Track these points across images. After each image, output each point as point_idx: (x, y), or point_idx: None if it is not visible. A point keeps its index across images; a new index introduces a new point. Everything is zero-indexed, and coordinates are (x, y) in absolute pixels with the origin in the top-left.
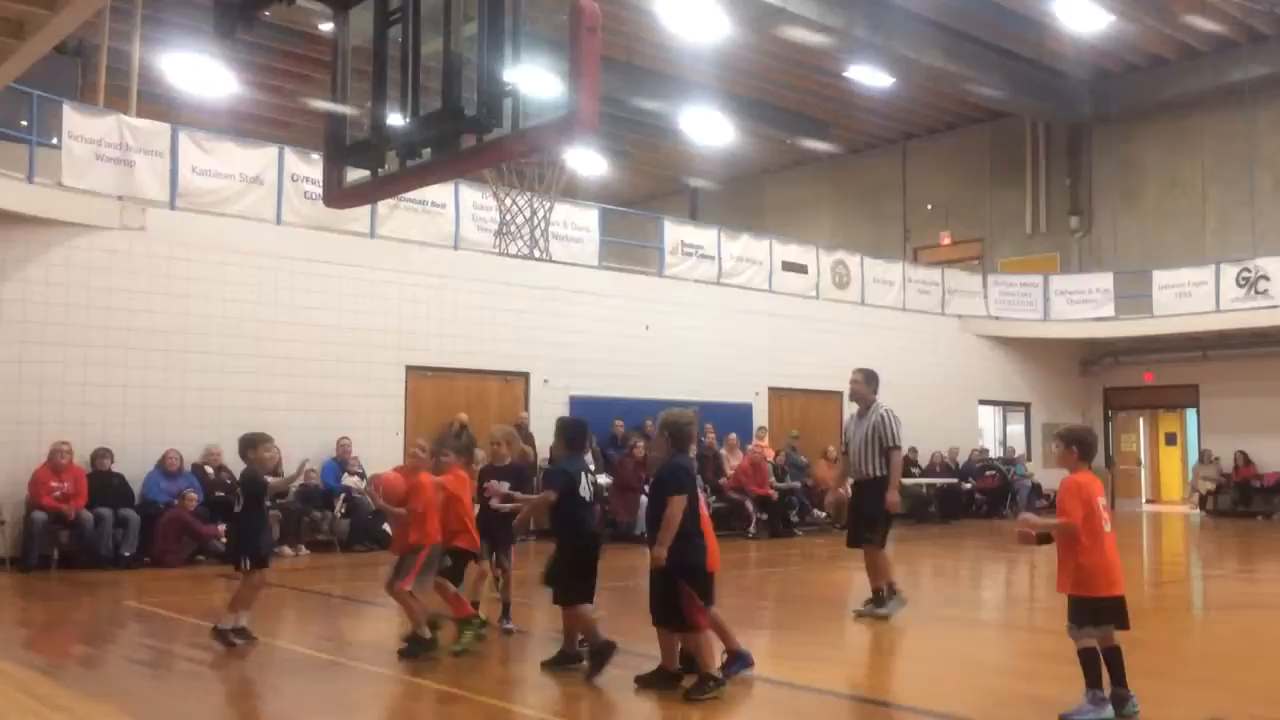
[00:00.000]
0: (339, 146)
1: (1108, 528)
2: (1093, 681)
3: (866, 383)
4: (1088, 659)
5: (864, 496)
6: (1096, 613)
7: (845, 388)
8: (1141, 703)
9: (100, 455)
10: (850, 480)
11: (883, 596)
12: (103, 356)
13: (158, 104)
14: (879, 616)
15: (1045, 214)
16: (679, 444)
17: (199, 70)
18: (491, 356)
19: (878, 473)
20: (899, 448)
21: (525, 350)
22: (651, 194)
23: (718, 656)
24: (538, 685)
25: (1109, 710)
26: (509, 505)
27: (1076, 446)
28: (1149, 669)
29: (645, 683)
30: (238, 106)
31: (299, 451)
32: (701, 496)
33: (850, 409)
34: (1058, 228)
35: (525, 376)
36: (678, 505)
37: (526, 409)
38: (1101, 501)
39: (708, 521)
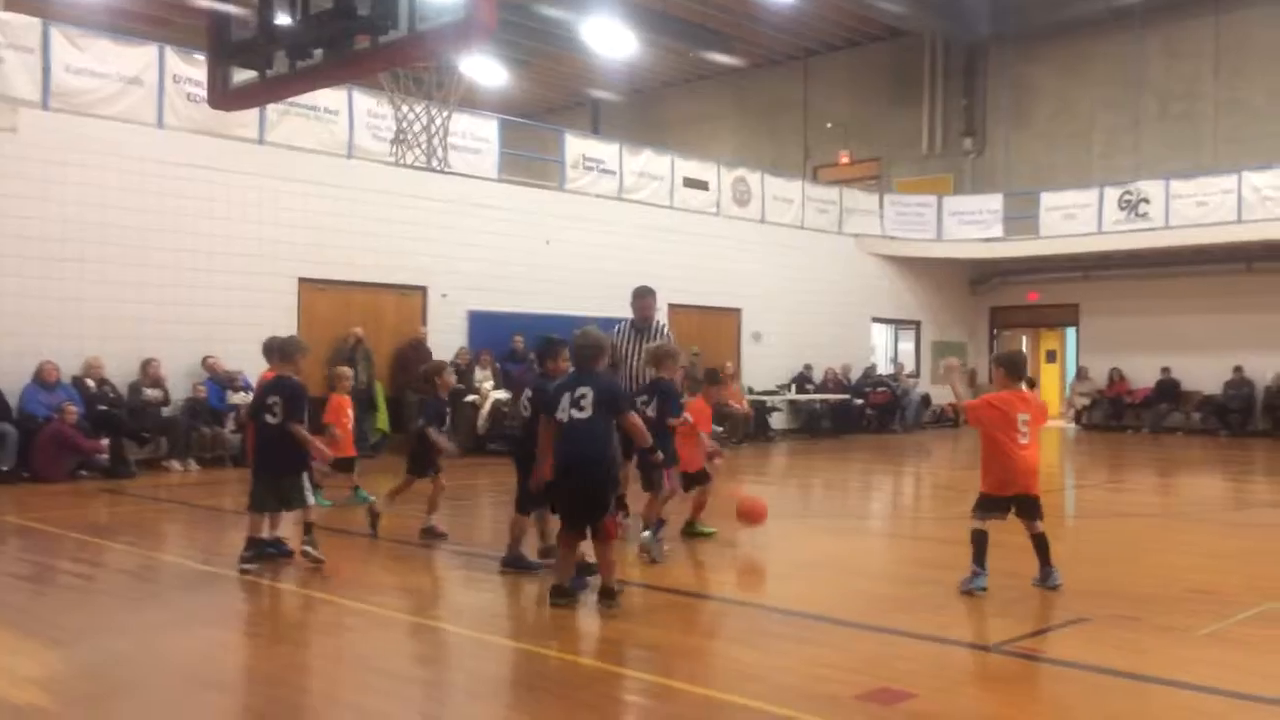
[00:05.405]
0: (224, 45)
1: (1022, 440)
2: (975, 558)
3: (653, 300)
4: (974, 539)
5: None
6: (990, 505)
7: (744, 304)
8: (1013, 604)
9: None
10: None
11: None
12: None
13: None
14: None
15: (941, 134)
16: (577, 362)
17: None
18: (388, 270)
19: None
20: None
21: (423, 264)
22: (552, 106)
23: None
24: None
25: (981, 581)
26: None
27: (1004, 367)
28: (1022, 571)
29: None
30: (113, 2)
31: (180, 364)
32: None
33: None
34: (952, 148)
35: (423, 290)
36: (543, 427)
37: (424, 324)
38: (1022, 417)
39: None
